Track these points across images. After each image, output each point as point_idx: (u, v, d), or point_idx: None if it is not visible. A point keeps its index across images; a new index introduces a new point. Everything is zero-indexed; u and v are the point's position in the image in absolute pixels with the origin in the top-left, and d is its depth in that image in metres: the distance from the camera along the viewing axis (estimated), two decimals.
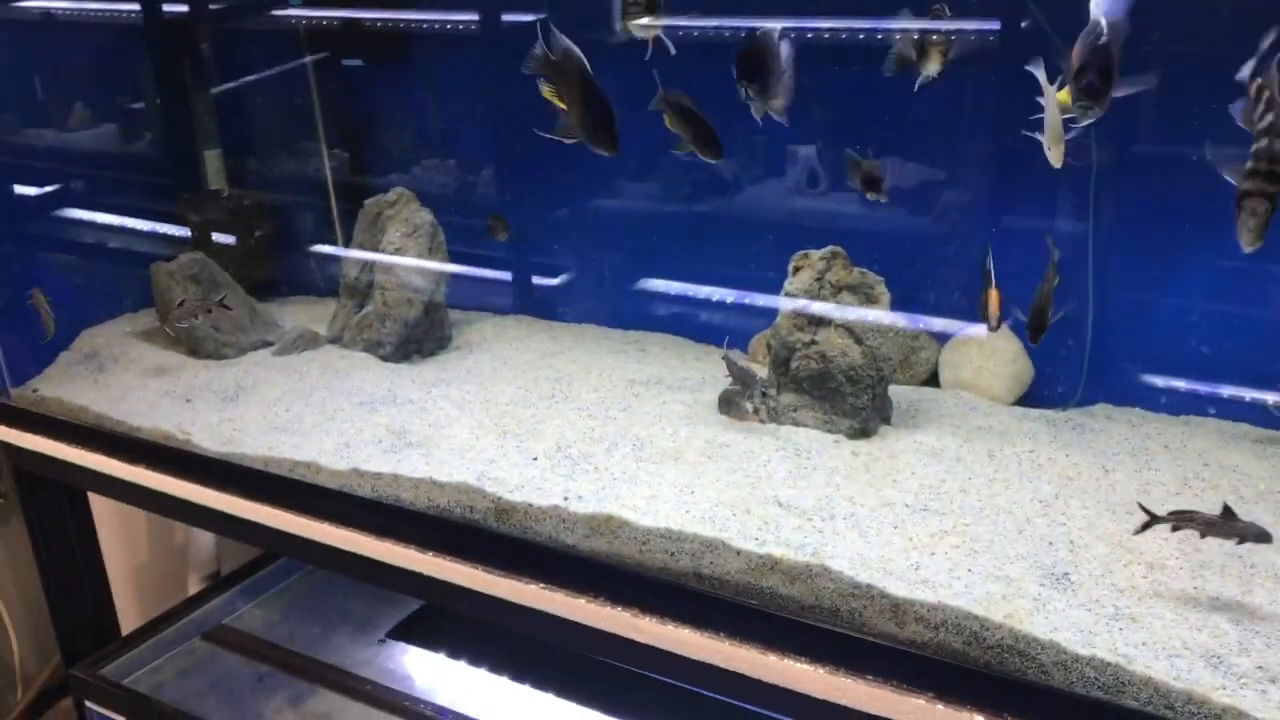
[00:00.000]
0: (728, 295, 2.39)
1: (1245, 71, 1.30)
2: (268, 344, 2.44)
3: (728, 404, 1.93)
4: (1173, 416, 1.93)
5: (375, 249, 2.36)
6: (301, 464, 1.89)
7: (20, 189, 2.73)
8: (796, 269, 1.89)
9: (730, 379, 1.92)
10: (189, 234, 2.75)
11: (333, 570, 1.99)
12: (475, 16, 2.50)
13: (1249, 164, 1.26)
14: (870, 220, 2.12)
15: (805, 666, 1.42)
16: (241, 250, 2.74)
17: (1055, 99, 1.49)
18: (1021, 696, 1.32)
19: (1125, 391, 1.99)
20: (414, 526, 1.76)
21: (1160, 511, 1.42)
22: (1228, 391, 1.90)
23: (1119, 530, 1.54)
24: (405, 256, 2.31)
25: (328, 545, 1.84)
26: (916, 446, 1.80)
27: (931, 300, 2.14)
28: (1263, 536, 1.37)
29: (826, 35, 2.03)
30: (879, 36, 2.00)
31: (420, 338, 2.35)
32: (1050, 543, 1.52)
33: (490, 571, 1.67)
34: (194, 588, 2.93)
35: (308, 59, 2.70)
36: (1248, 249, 1.26)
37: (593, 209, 2.50)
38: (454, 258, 2.39)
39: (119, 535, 2.99)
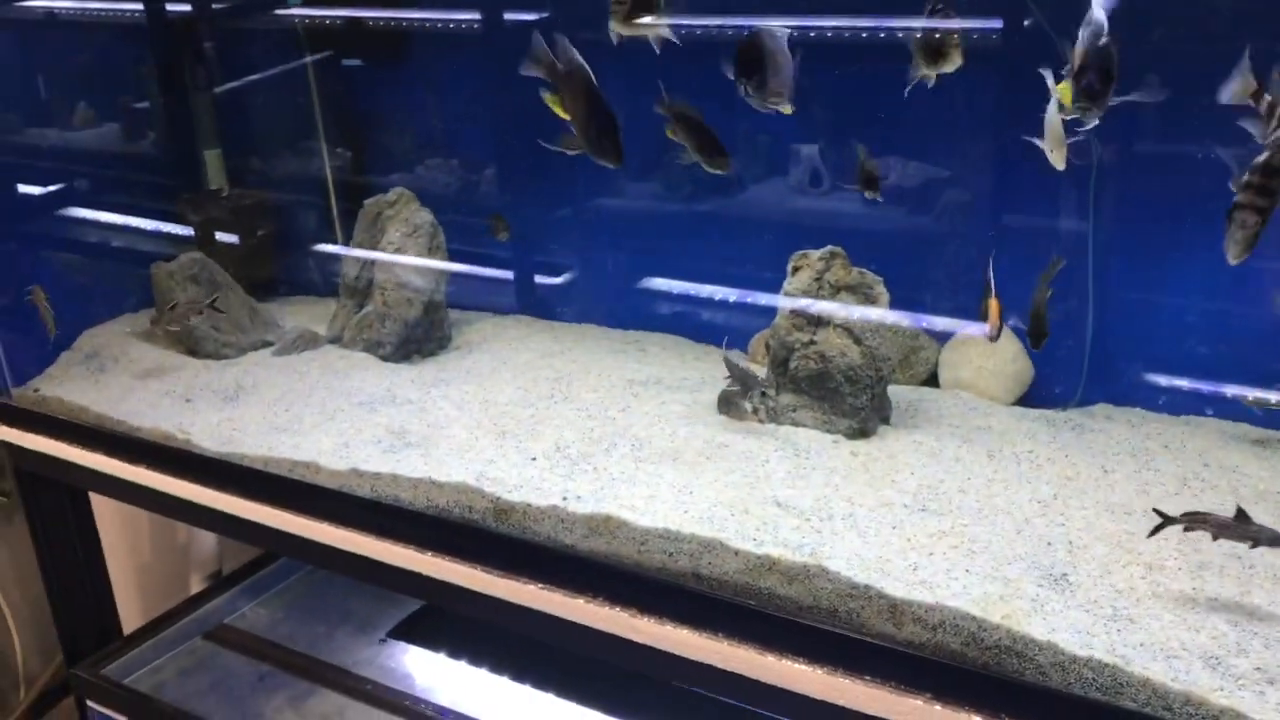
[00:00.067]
0: (728, 294, 2.39)
1: (1225, 95, 1.30)
2: (268, 344, 2.44)
3: (727, 404, 1.93)
4: (1173, 416, 1.93)
5: (375, 249, 2.37)
6: (301, 464, 1.89)
7: (21, 188, 2.74)
8: (795, 269, 1.89)
9: (729, 379, 1.92)
10: (191, 234, 2.76)
11: (332, 570, 1.99)
12: (475, 16, 2.50)
13: (1244, 177, 1.26)
14: (872, 220, 2.12)
15: (803, 667, 1.42)
16: (242, 250, 2.75)
17: (1055, 102, 1.49)
18: (1019, 697, 1.31)
19: (1125, 391, 1.99)
20: (413, 526, 1.76)
21: (1174, 514, 1.42)
22: (1228, 391, 1.90)
23: (1118, 531, 1.54)
24: (405, 256, 2.31)
25: (327, 545, 1.84)
26: (915, 447, 1.80)
27: (932, 300, 2.13)
28: (1277, 540, 1.36)
29: (829, 34, 2.03)
30: (881, 35, 2.00)
31: (420, 338, 2.35)
32: (1049, 543, 1.51)
33: (489, 571, 1.67)
34: (196, 587, 2.93)
35: (308, 59, 2.71)
36: (1233, 261, 1.27)
37: (593, 208, 2.50)
38: (454, 257, 2.40)
39: (121, 535, 3.00)
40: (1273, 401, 1.81)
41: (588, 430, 1.90)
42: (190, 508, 2.02)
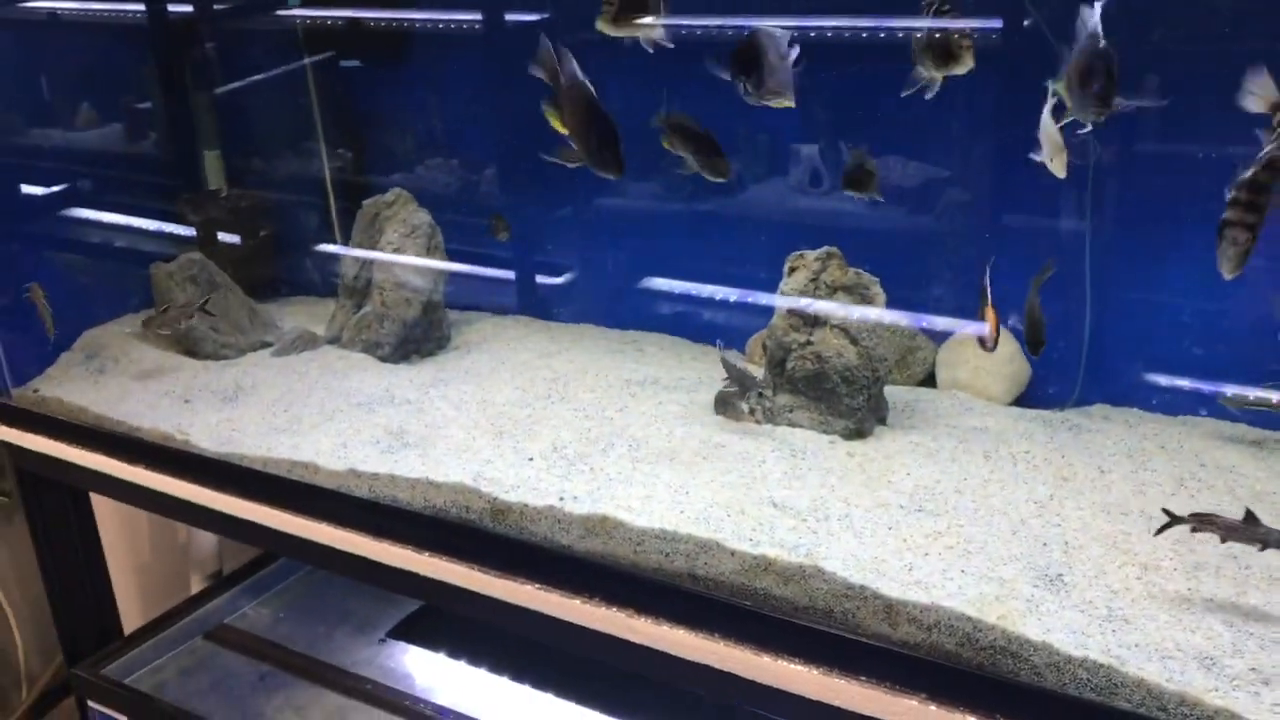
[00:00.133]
0: (727, 295, 2.39)
1: (1251, 105, 1.29)
2: (267, 344, 2.44)
3: (724, 404, 1.93)
4: (1170, 417, 1.93)
5: (373, 249, 2.37)
6: (299, 464, 1.89)
7: (20, 188, 2.74)
8: (792, 269, 1.89)
9: (727, 380, 1.92)
10: (191, 234, 2.76)
11: (330, 570, 1.99)
12: (474, 16, 2.51)
13: (1233, 193, 1.27)
14: (871, 220, 2.12)
15: (799, 667, 1.42)
16: (241, 251, 2.75)
17: (1049, 110, 1.49)
18: (1014, 698, 1.32)
19: (1123, 392, 1.99)
20: (410, 527, 1.76)
21: (1179, 514, 1.41)
22: (1228, 391, 1.89)
23: (1114, 531, 1.54)
24: (403, 257, 2.31)
25: (325, 545, 1.84)
26: (912, 447, 1.80)
27: (930, 300, 2.13)
28: None
29: (829, 34, 2.03)
30: (880, 35, 2.00)
31: (419, 338, 2.36)
32: (1044, 544, 1.51)
33: (486, 572, 1.67)
34: (196, 587, 2.94)
35: (307, 60, 2.71)
36: (1228, 276, 1.28)
37: (591, 209, 2.50)
38: (453, 257, 2.40)
39: (122, 534, 3.00)
40: (1250, 398, 1.81)
41: (585, 430, 1.90)
42: (189, 508, 2.02)
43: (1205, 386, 1.90)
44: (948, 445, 1.80)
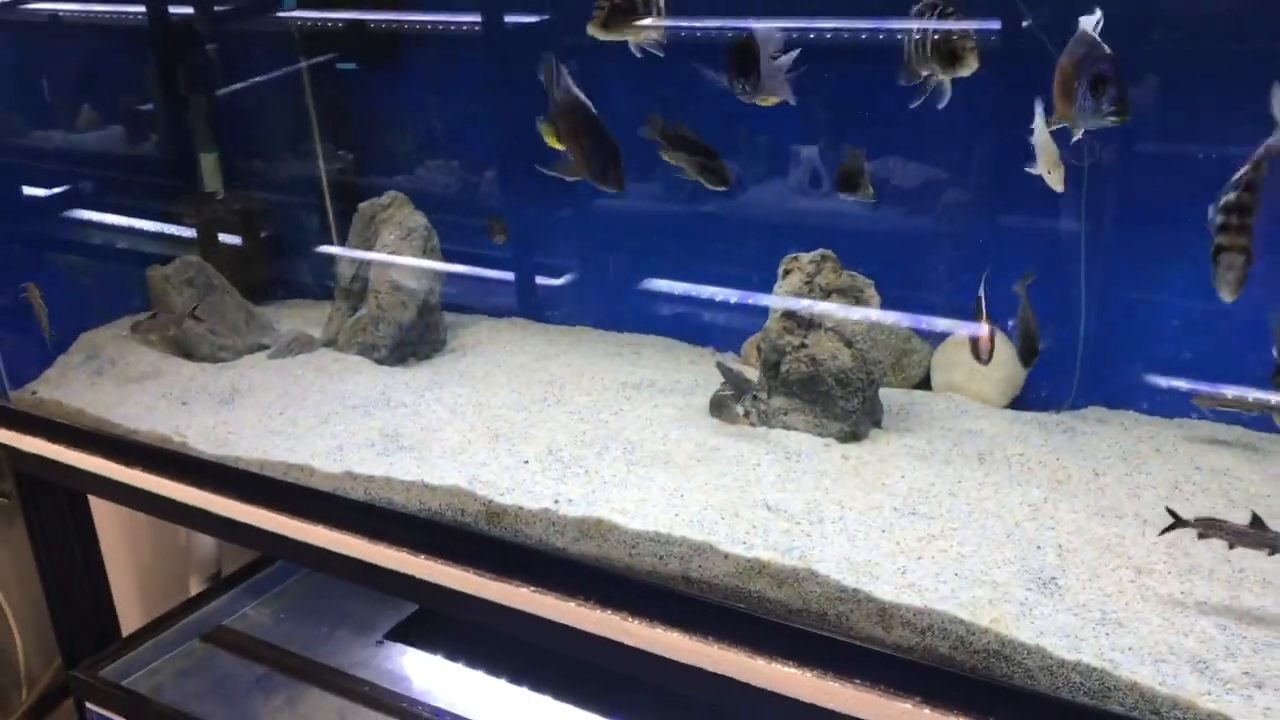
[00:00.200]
0: (723, 297, 2.40)
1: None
2: (263, 347, 2.45)
3: (719, 407, 1.94)
4: (1166, 419, 1.93)
5: (370, 252, 2.37)
6: (295, 467, 1.90)
7: (17, 189, 2.75)
8: (786, 272, 1.89)
9: (723, 383, 1.92)
10: (191, 236, 2.77)
11: (326, 573, 1.99)
12: (470, 18, 2.51)
13: (1219, 218, 1.29)
14: (870, 221, 2.12)
15: (793, 670, 1.42)
16: (237, 253, 2.76)
17: (1041, 123, 1.48)
18: (1007, 701, 1.32)
19: (1118, 394, 1.98)
20: (406, 529, 1.76)
21: (1184, 516, 1.41)
22: (1227, 393, 1.89)
23: (1108, 534, 1.54)
24: (399, 258, 2.32)
25: (321, 548, 1.84)
26: (906, 450, 1.80)
27: (927, 302, 2.13)
28: None
29: (829, 35, 2.03)
30: (880, 36, 2.00)
31: (415, 340, 2.36)
32: (1038, 547, 1.51)
33: (481, 574, 1.67)
34: (195, 588, 2.94)
35: (303, 63, 2.71)
36: (1228, 300, 1.29)
37: (589, 211, 2.50)
38: (450, 259, 2.40)
39: (121, 536, 3.01)
40: (1229, 396, 1.80)
41: (580, 433, 1.90)
42: (186, 510, 2.02)
43: (1201, 389, 1.90)
44: (942, 448, 1.80)
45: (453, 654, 2.30)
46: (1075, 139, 1.44)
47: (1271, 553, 1.37)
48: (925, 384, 2.12)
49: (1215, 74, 1.78)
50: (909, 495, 1.65)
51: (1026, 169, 1.56)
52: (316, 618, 2.51)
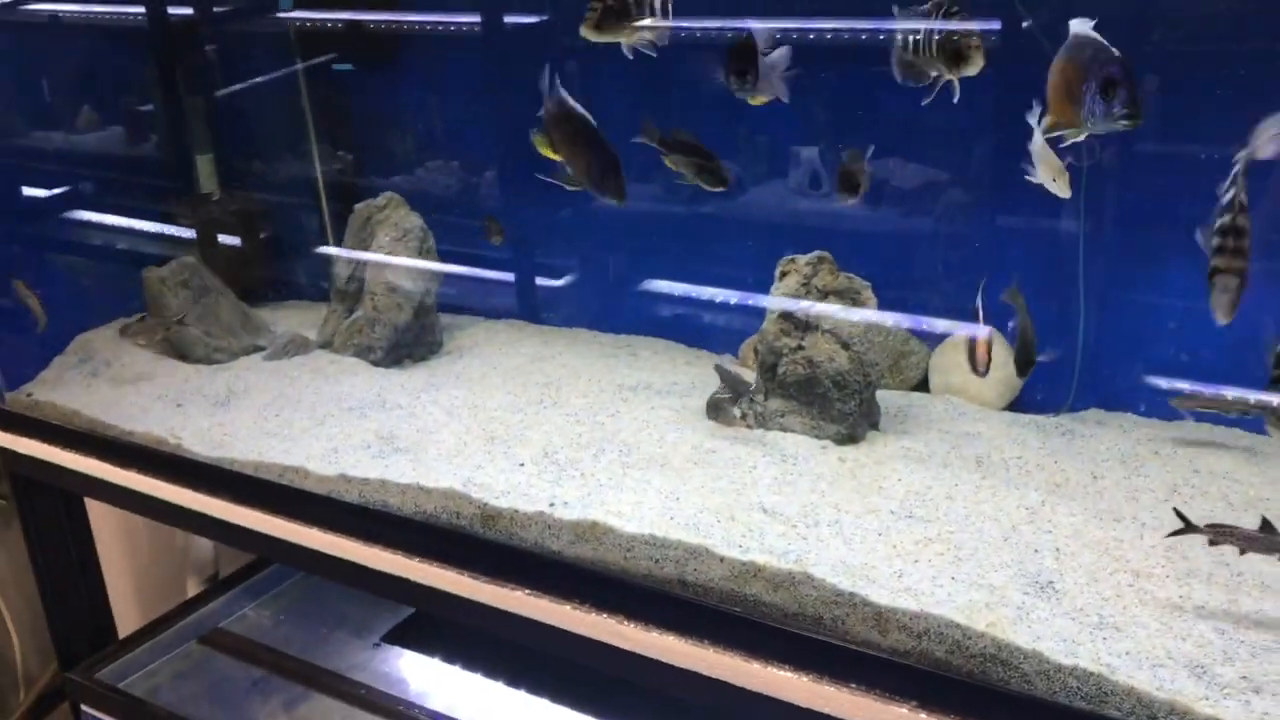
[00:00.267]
0: (721, 298, 2.39)
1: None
2: (259, 348, 2.44)
3: (716, 409, 1.93)
4: (1165, 422, 1.92)
5: (365, 253, 2.37)
6: (290, 469, 1.89)
7: (13, 191, 2.75)
8: (783, 274, 1.88)
9: (721, 385, 1.92)
10: (184, 238, 2.76)
11: (321, 575, 1.99)
12: (467, 19, 2.50)
13: (1215, 240, 1.29)
14: (869, 222, 2.11)
15: (788, 674, 1.41)
16: (233, 254, 2.75)
17: (1039, 132, 1.48)
18: (1004, 706, 1.31)
19: (1117, 397, 1.98)
20: (401, 532, 1.76)
21: (1189, 518, 1.40)
22: (1228, 395, 1.88)
23: (1106, 538, 1.53)
24: (396, 259, 2.31)
25: (316, 551, 1.84)
26: (904, 452, 1.79)
27: (925, 304, 2.13)
28: None
29: (829, 36, 2.03)
30: (880, 37, 1.99)
31: (410, 342, 2.35)
32: (1036, 550, 1.51)
33: (476, 577, 1.67)
34: (193, 590, 2.94)
35: (299, 64, 2.71)
36: (1223, 322, 1.30)
37: (586, 211, 2.49)
38: (447, 260, 2.39)
39: (119, 538, 3.00)
40: (1206, 395, 1.79)
41: (576, 436, 1.89)
42: (181, 513, 2.02)
43: (1184, 390, 1.89)
44: (940, 451, 1.80)
45: (450, 656, 2.29)
46: (1070, 141, 1.43)
47: None
48: (923, 386, 2.11)
49: (1214, 74, 1.77)
50: (906, 498, 1.64)
51: (1026, 177, 1.56)
52: (314, 620, 2.51)
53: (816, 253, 1.86)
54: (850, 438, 1.84)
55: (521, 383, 2.16)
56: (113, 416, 2.16)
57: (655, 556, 1.56)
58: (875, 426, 1.90)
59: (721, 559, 1.51)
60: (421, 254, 2.33)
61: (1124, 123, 1.29)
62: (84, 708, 2.34)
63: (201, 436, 2.03)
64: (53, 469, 2.22)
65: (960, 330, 2.04)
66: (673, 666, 1.50)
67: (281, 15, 2.71)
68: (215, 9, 2.88)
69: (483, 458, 1.84)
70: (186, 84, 2.79)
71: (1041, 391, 2.03)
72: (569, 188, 1.65)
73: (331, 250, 2.50)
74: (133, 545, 3.05)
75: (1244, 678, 1.25)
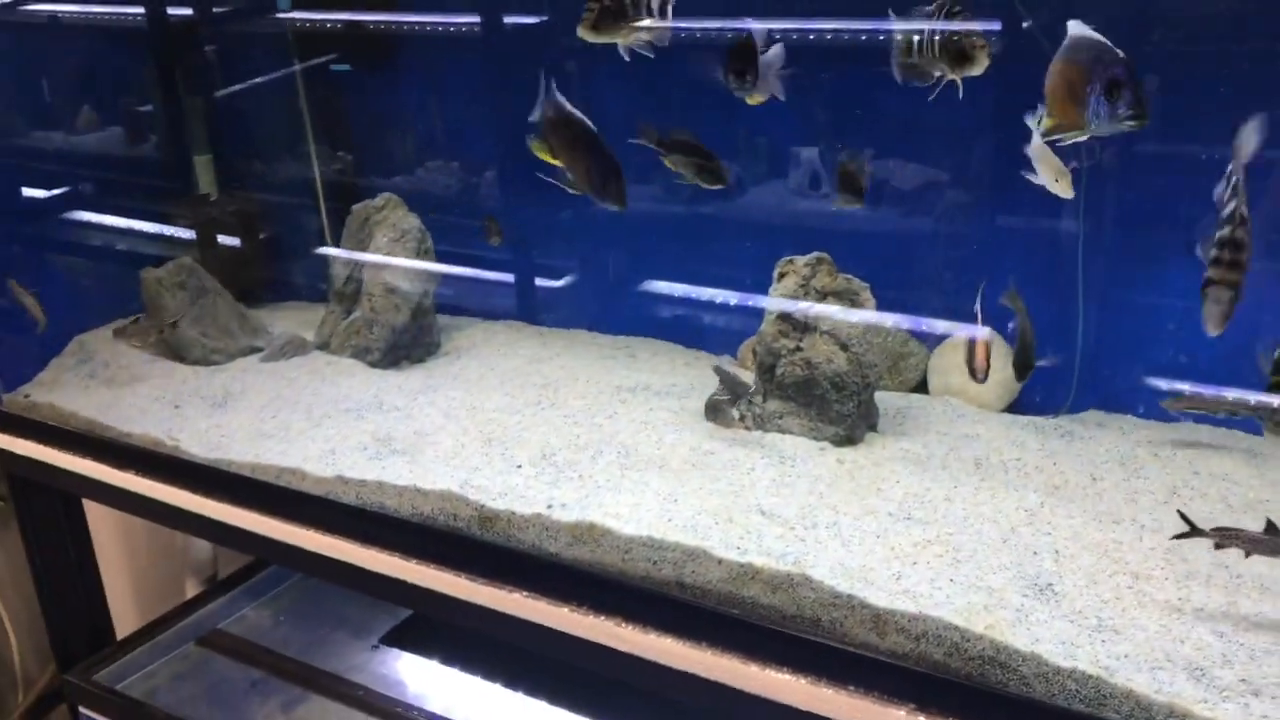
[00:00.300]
0: (720, 299, 2.38)
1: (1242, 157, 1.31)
2: (256, 350, 2.44)
3: (714, 411, 1.93)
4: (1164, 424, 1.91)
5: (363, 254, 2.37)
6: (287, 470, 1.89)
7: (11, 191, 2.74)
8: (781, 275, 1.88)
9: (720, 387, 1.91)
10: (184, 238, 2.76)
11: (319, 577, 1.99)
12: (465, 19, 2.50)
13: (1213, 251, 1.30)
14: (869, 223, 2.11)
15: (786, 676, 1.41)
16: (231, 255, 2.75)
17: (1037, 134, 1.47)
18: (1002, 708, 1.31)
19: (1117, 398, 1.97)
20: (398, 534, 1.75)
21: (1184, 520, 1.40)
22: (1228, 396, 1.87)
23: (1105, 540, 1.53)
24: (394, 260, 2.31)
25: (313, 552, 1.84)
26: (902, 454, 1.79)
27: (925, 305, 2.12)
28: None
29: (829, 36, 2.02)
30: (880, 38, 1.99)
31: (408, 343, 2.35)
32: (1034, 552, 1.50)
33: (473, 580, 1.67)
34: (191, 591, 2.93)
35: (297, 65, 2.71)
36: (1212, 334, 1.30)
37: (584, 213, 2.49)
38: (445, 261, 2.39)
39: (117, 539, 3.00)
40: (1196, 396, 1.79)
41: (574, 437, 1.89)
42: (179, 514, 2.01)
43: (1183, 390, 1.88)
44: (938, 452, 1.79)
45: (448, 658, 2.29)
46: (1069, 141, 1.43)
47: None
48: (922, 387, 2.11)
49: (1213, 74, 1.76)
50: (904, 500, 1.64)
51: (1028, 176, 1.55)
52: (313, 621, 2.50)
53: (815, 254, 1.86)
54: (849, 439, 1.83)
55: (519, 384, 2.16)
56: (110, 418, 2.16)
57: (653, 558, 1.55)
58: (874, 428, 1.90)
59: (719, 561, 1.51)
60: (419, 255, 2.33)
61: (1130, 123, 1.28)
62: (82, 709, 2.34)
63: (199, 438, 2.03)
64: (50, 470, 2.21)
65: (960, 331, 2.03)
66: (671, 669, 1.49)
67: (280, 16, 2.71)
68: (214, 10, 2.88)
69: (480, 459, 1.84)
70: (185, 84, 2.79)
71: (1041, 393, 2.03)
72: (570, 190, 1.65)
73: (329, 251, 2.50)
74: (131, 546, 3.05)
75: (1243, 680, 1.25)
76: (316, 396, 2.16)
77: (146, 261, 2.47)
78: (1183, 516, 1.40)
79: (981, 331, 1.69)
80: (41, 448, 2.22)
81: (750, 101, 1.57)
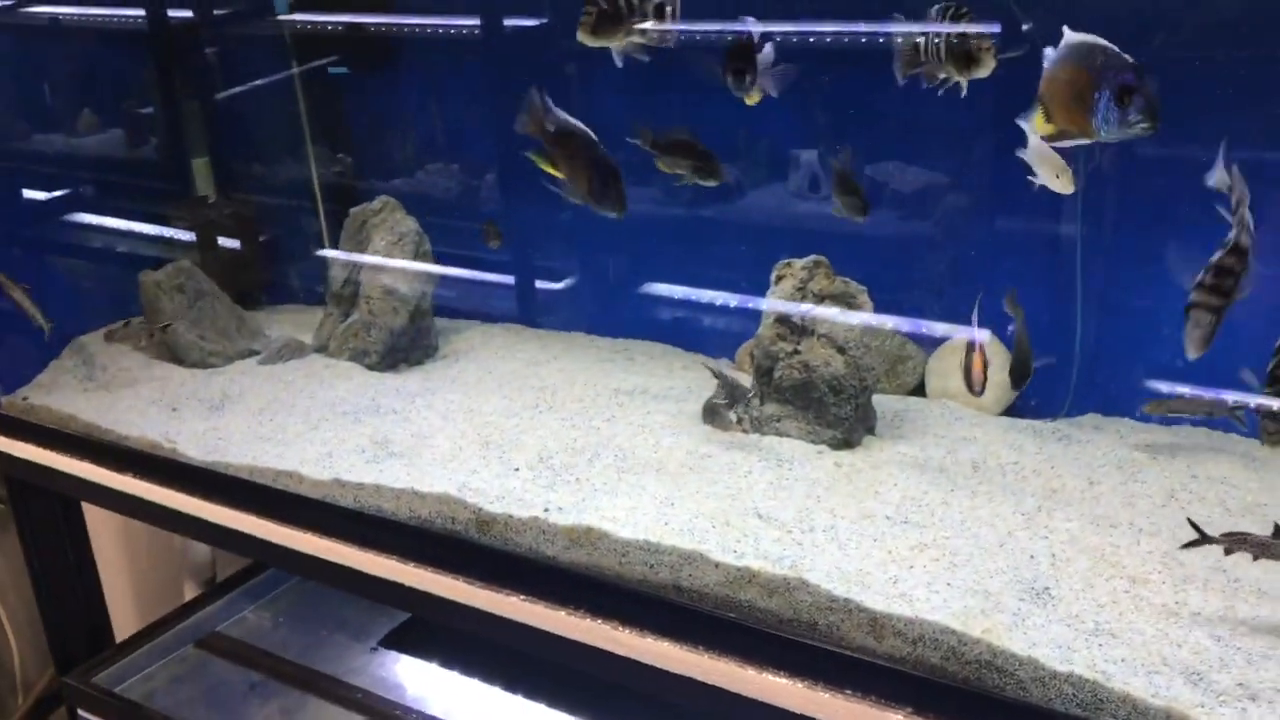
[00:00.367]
0: (719, 302, 2.38)
1: (1210, 180, 1.34)
2: (254, 352, 2.44)
3: (711, 414, 1.92)
4: (1162, 427, 1.91)
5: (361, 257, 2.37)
6: (285, 473, 1.89)
7: (11, 194, 2.75)
8: (779, 278, 1.88)
9: (718, 387, 1.91)
10: (185, 240, 2.76)
11: (316, 580, 1.99)
12: (464, 22, 2.50)
13: (1199, 275, 1.31)
14: (868, 226, 2.10)
15: (783, 680, 1.41)
16: (229, 257, 2.75)
17: (1032, 134, 1.47)
18: (999, 712, 1.31)
19: (1115, 401, 1.97)
20: (396, 537, 1.75)
21: (1193, 527, 1.40)
22: (1228, 399, 1.87)
23: (1102, 544, 1.53)
24: (392, 261, 2.31)
25: (311, 555, 1.84)
26: (900, 458, 1.78)
27: (923, 308, 2.12)
28: None
29: (828, 39, 2.02)
30: (880, 40, 1.99)
31: (406, 346, 2.35)
32: (1031, 556, 1.50)
33: (471, 583, 1.67)
34: (190, 594, 2.94)
35: (296, 68, 2.71)
36: (1192, 357, 1.32)
37: (582, 215, 2.48)
38: (443, 264, 2.39)
39: (116, 541, 3.00)
40: (1176, 399, 1.78)
41: (571, 441, 1.89)
42: (177, 517, 2.01)
43: (1183, 395, 1.88)
44: (936, 456, 1.79)
45: (447, 661, 2.29)
46: (1069, 144, 1.43)
47: None
48: (920, 390, 2.11)
49: (1212, 78, 1.76)
50: (901, 503, 1.64)
51: (1029, 177, 1.55)
52: (311, 624, 2.50)
53: (812, 257, 1.86)
54: (846, 443, 1.83)
55: (517, 387, 2.16)
56: (108, 420, 2.16)
57: (650, 562, 1.55)
58: (871, 431, 1.90)
59: (716, 564, 1.50)
60: (417, 258, 2.33)
61: (1141, 128, 1.26)
62: (81, 712, 2.34)
63: (196, 441, 2.03)
64: (49, 473, 2.22)
65: (958, 334, 2.04)
66: (668, 672, 1.49)
67: (280, 18, 2.71)
68: (214, 12, 2.88)
69: (478, 463, 1.84)
70: (185, 87, 2.79)
71: (1039, 396, 2.03)
72: (573, 199, 1.67)
73: (327, 253, 2.50)
74: (130, 549, 3.05)
75: (1240, 685, 1.24)
76: (314, 399, 2.16)
77: (145, 264, 2.47)
78: (1193, 525, 1.39)
79: (981, 334, 1.69)
80: (40, 450, 2.22)
81: (748, 101, 1.58)
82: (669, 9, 1.59)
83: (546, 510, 1.66)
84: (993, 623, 1.35)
